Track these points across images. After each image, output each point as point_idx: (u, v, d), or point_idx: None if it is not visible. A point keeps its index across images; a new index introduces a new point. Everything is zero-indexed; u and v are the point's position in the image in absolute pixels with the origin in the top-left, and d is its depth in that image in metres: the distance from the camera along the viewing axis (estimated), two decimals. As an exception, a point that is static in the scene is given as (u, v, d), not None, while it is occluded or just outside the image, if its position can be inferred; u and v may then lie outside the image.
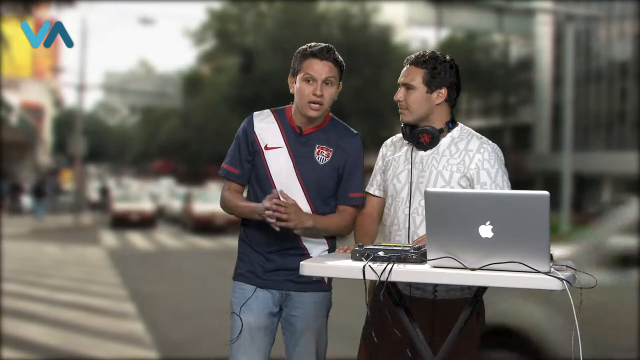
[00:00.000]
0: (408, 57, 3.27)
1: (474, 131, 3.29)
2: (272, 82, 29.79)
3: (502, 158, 3.23)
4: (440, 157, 3.21)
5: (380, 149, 3.42)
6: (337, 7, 37.53)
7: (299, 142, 3.32)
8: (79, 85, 35.36)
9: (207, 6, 41.93)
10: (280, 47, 31.10)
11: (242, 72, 28.49)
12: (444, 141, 3.24)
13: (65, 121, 51.86)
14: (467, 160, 3.18)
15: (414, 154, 3.26)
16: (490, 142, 3.23)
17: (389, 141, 3.42)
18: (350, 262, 2.84)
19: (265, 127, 3.34)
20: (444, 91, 3.21)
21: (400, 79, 3.25)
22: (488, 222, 2.60)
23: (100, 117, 79.69)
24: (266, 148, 3.31)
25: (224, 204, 3.41)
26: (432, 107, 3.22)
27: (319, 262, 2.98)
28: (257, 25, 39.92)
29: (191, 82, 44.85)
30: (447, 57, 3.24)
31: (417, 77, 3.20)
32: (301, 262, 2.92)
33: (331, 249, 3.39)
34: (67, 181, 42.70)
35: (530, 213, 2.57)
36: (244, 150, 3.34)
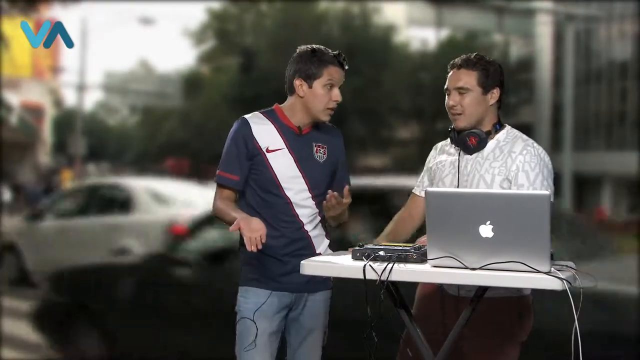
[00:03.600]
0: (453, 62, 3.17)
1: (521, 133, 3.20)
2: (272, 82, 29.74)
3: (547, 161, 3.10)
4: (483, 161, 3.14)
5: (431, 151, 3.36)
6: (338, 7, 37.50)
7: (298, 142, 3.30)
8: (79, 85, 35.38)
9: (206, 6, 41.91)
10: (280, 47, 31.06)
11: (242, 72, 28.50)
12: (490, 144, 3.15)
13: (65, 121, 51.76)
14: (510, 162, 3.09)
15: (460, 157, 3.19)
16: (535, 144, 3.12)
17: (439, 144, 3.34)
18: (350, 262, 2.85)
19: (262, 129, 3.29)
20: (496, 91, 3.15)
21: (450, 84, 3.16)
22: (488, 222, 2.61)
23: (100, 117, 79.54)
24: (268, 151, 3.26)
25: (215, 214, 3.34)
26: (487, 109, 3.15)
27: (320, 262, 2.98)
28: (257, 25, 39.88)
29: (191, 82, 44.77)
30: (491, 58, 3.20)
31: (471, 80, 3.11)
32: (302, 262, 2.93)
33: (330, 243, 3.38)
34: (68, 181, 42.68)
35: (531, 213, 2.58)
36: (243, 154, 3.27)
